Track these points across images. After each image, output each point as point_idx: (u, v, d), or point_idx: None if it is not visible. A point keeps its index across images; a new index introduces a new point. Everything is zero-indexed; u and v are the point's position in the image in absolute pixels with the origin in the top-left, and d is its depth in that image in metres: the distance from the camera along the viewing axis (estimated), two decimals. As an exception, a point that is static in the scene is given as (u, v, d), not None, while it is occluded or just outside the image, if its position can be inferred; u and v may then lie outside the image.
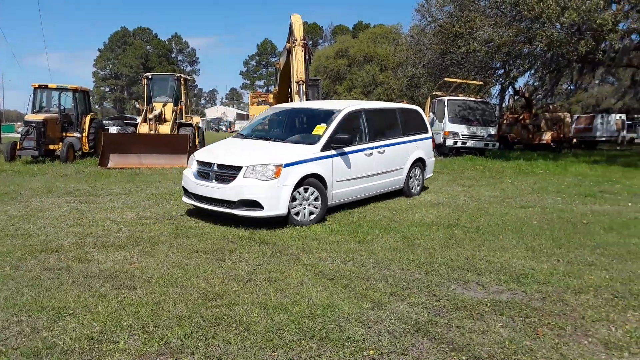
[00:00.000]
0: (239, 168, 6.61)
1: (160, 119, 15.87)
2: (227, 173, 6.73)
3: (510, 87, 22.40)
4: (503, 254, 5.24)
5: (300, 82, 13.33)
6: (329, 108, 8.18)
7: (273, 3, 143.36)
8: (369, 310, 3.66)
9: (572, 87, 28.38)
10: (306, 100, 13.57)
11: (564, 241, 5.80)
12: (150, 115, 15.55)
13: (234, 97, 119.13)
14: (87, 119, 15.77)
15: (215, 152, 7.41)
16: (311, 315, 3.52)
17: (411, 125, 9.44)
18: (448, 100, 19.08)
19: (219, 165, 6.85)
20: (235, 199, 6.51)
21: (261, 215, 6.47)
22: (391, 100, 41.99)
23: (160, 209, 7.68)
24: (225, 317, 3.51)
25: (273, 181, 6.48)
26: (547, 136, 22.49)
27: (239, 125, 71.80)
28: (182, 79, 17.36)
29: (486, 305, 3.77)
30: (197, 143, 16.84)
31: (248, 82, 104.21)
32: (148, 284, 4.21)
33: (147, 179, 11.01)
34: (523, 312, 3.63)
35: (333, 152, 7.31)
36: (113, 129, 23.10)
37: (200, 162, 7.15)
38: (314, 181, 6.97)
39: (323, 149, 7.18)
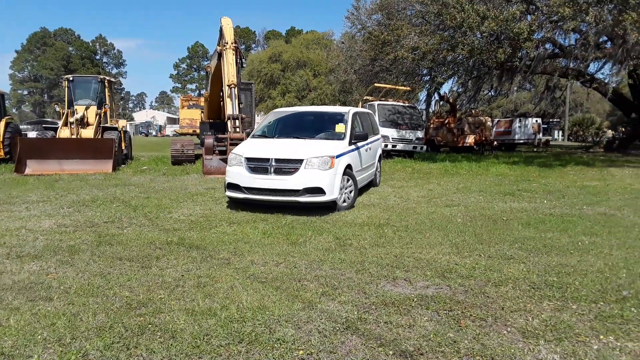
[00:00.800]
0: (300, 161, 7.54)
1: (82, 123, 15.04)
2: (287, 166, 7.58)
3: (435, 92, 23.36)
4: (429, 251, 5.42)
5: (232, 85, 13.16)
6: (337, 110, 9.70)
7: (204, 5, 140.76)
8: (299, 310, 3.65)
9: (493, 93, 30.05)
10: (238, 104, 13.42)
11: (486, 237, 6.09)
12: (71, 119, 14.71)
13: (164, 101, 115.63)
14: (2, 124, 14.68)
15: (260, 149, 8.08)
16: (240, 319, 3.45)
17: (375, 127, 11.01)
18: (378, 105, 19.58)
19: (277, 160, 7.64)
20: (300, 188, 7.44)
21: (323, 200, 7.57)
22: (324, 105, 42.49)
23: (81, 216, 7.27)
24: (150, 326, 3.36)
25: (330, 170, 7.57)
26: (471, 139, 23.68)
27: (170, 130, 69.54)
28: (106, 81, 16.59)
29: (413, 300, 3.88)
30: (123, 147, 16.14)
31: (179, 85, 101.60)
32: (66, 294, 3.96)
33: (68, 186, 10.40)
34: (447, 305, 3.77)
35: (353, 146, 8.58)
36: (32, 134, 21.63)
37: (251, 159, 7.79)
38: (348, 171, 8.13)
39: (349, 144, 8.42)
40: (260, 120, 11.33)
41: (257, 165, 7.70)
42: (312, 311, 3.63)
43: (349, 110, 9.18)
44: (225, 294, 4.00)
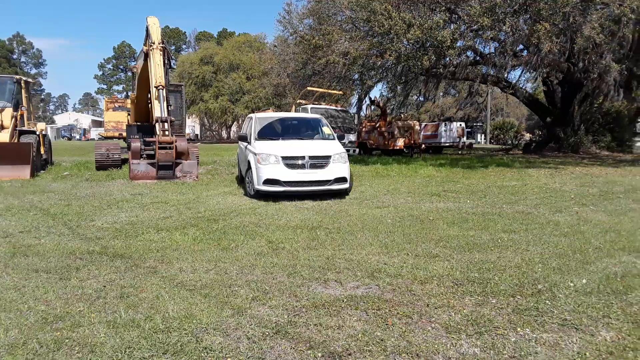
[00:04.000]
0: (328, 157, 9.46)
1: (-5, 126, 13.94)
2: (319, 161, 9.38)
3: (366, 97, 23.92)
4: (360, 252, 5.51)
5: (160, 87, 12.74)
6: (311, 116, 12.18)
7: (131, 3, 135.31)
8: (229, 317, 3.58)
9: (421, 98, 31.21)
10: (167, 106, 13.01)
11: (413, 236, 6.29)
12: (-17, 122, 13.59)
13: (88, 103, 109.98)
14: None
15: (288, 149, 9.56)
16: (166, 330, 3.33)
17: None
18: (312, 108, 19.76)
19: (311, 157, 9.38)
20: (332, 178, 9.36)
21: (344, 187, 9.64)
22: (258, 108, 42.22)
23: (-8, 227, 6.72)
24: (67, 341, 3.16)
25: (347, 163, 9.73)
26: (400, 142, 24.42)
27: (94, 133, 66.12)
28: (22, 82, 15.47)
29: (343, 301, 3.92)
30: (42, 152, 15.15)
31: (104, 86, 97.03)
32: (-29, 312, 3.64)
33: (-23, 194, 9.59)
34: (376, 304, 3.84)
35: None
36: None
37: (287, 157, 9.28)
38: None
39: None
40: (243, 124, 12.28)
41: (294, 162, 9.27)
42: (242, 317, 3.57)
43: (320, 117, 11.65)
44: (150, 304, 3.84)
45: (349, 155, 19.67)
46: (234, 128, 66.41)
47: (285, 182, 9.17)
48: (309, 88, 21.49)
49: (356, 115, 23.98)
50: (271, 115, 12.18)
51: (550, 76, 17.88)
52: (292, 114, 13.11)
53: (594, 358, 2.95)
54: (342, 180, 9.50)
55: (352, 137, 20.32)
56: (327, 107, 20.87)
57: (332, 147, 9.86)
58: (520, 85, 20.67)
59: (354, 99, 27.99)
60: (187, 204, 8.87)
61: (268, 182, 9.21)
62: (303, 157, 9.32)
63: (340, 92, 21.97)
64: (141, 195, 9.79)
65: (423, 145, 26.42)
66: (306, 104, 20.42)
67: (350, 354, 3.01)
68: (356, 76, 21.77)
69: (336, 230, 6.71)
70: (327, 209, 8.45)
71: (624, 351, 3.02)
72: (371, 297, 4.03)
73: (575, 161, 17.72)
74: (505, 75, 19.95)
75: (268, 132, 10.62)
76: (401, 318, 3.58)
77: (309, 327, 3.41)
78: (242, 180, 11.25)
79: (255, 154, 9.61)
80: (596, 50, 15.12)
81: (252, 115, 11.94)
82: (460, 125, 28.64)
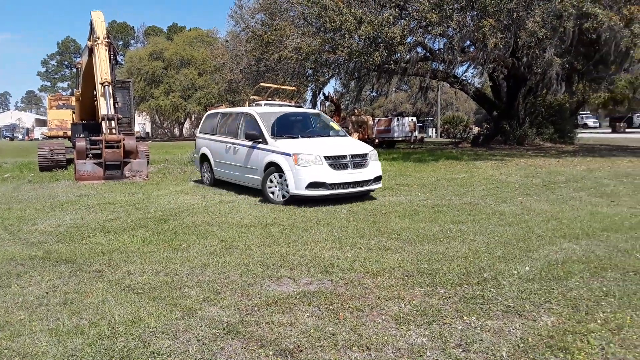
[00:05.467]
0: (365, 155, 8.89)
1: None
2: (360, 160, 8.76)
3: (320, 92, 23.96)
4: (314, 247, 5.53)
5: (106, 83, 12.30)
6: (311, 111, 11.76)
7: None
8: (178, 320, 3.51)
9: (374, 94, 31.61)
10: (114, 104, 12.58)
11: (366, 230, 6.37)
12: None
13: (31, 101, 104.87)
14: None
15: (325, 148, 8.74)
16: (112, 335, 3.22)
17: None
18: (265, 104, 19.57)
19: (353, 156, 8.72)
20: (372, 177, 8.81)
21: (380, 186, 9.34)
22: (211, 105, 41.52)
23: None
24: (6, 351, 3.01)
25: (379, 161, 9.32)
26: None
27: (38, 132, 63.06)
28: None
29: (295, 297, 3.92)
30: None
31: (48, 83, 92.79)
32: None
33: None
34: (328, 299, 3.86)
35: None
36: None
37: (330, 157, 8.48)
38: None
39: None
40: (222, 121, 11.23)
41: (337, 162, 8.51)
42: (192, 319, 3.51)
43: (320, 112, 11.79)
44: (96, 310, 3.71)
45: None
46: (186, 125, 65.05)
47: (331, 184, 8.37)
48: (262, 84, 21.29)
49: (310, 111, 24.02)
50: (273, 110, 10.77)
51: (496, 71, 18.49)
52: (294, 109, 12.43)
53: (536, 343, 3.07)
54: (379, 179, 9.09)
55: (307, 132, 20.32)
56: (281, 103, 20.74)
57: (363, 145, 9.42)
58: (468, 81, 21.31)
59: (308, 95, 28.02)
60: (136, 204, 8.62)
61: (312, 185, 8.33)
62: (345, 157, 8.62)
63: (294, 88, 21.90)
64: (87, 197, 9.43)
65: (377, 140, 26.76)
66: (260, 100, 20.22)
67: (301, 351, 3.01)
68: (309, 72, 21.77)
69: (290, 226, 6.70)
70: (281, 206, 8.42)
71: (564, 335, 3.16)
72: (324, 292, 4.05)
73: (520, 153, 18.44)
74: (454, 71, 20.47)
75: (281, 130, 9.47)
76: (353, 312, 3.62)
77: (261, 325, 3.39)
78: (213, 182, 10.98)
79: (284, 154, 8.59)
80: (539, 45, 15.76)
81: (248, 110, 10.64)
82: (412, 119, 29.17)
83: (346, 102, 27.78)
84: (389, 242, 5.75)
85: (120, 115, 13.11)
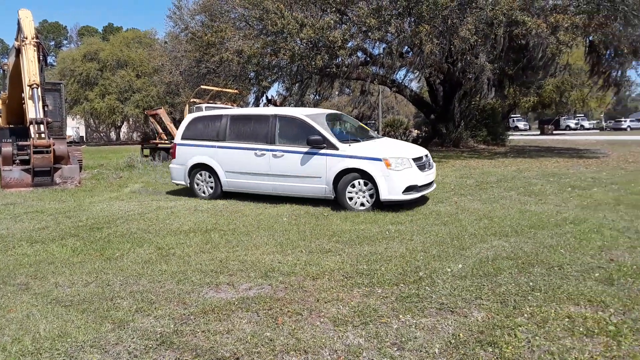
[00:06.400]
0: (427, 155, 8.87)
1: None
2: (430, 161, 8.87)
3: (263, 95, 23.82)
4: (255, 252, 5.47)
5: (34, 85, 11.66)
6: (340, 113, 10.74)
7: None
8: (108, 332, 3.36)
9: (317, 97, 31.78)
10: (43, 107, 11.93)
11: (308, 233, 6.38)
12: None
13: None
14: None
15: (405, 150, 8.61)
16: (35, 351, 3.04)
17: None
18: (206, 107, 19.21)
19: (426, 156, 8.76)
20: (434, 177, 8.93)
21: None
22: (150, 107, 40.23)
23: None
24: None
25: None
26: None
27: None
28: None
29: (234, 304, 3.86)
30: None
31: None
32: None
33: None
34: (267, 304, 3.83)
35: None
36: None
37: (416, 159, 8.31)
38: None
39: None
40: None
41: (420, 164, 8.38)
42: (123, 331, 3.37)
43: (343, 113, 11.05)
44: (20, 325, 3.49)
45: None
46: (124, 129, 62.67)
47: (420, 186, 8.20)
48: (202, 86, 20.86)
49: (253, 114, 23.79)
50: (316, 111, 9.77)
51: (432, 76, 19.15)
52: (325, 110, 10.77)
53: (467, 338, 3.19)
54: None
55: (249, 136, 20.12)
56: (224, 106, 20.43)
57: (416, 145, 9.73)
58: (406, 85, 21.91)
59: (251, 98, 27.74)
60: (67, 212, 8.20)
61: (408, 189, 7.99)
62: (422, 158, 8.54)
63: (236, 91, 21.62)
64: (14, 205, 8.88)
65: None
66: (200, 103, 19.82)
67: (237, 358, 2.96)
68: (252, 75, 21.58)
69: (231, 231, 6.60)
70: (222, 211, 8.28)
71: (493, 329, 3.30)
72: (263, 297, 4.01)
73: (456, 154, 19.15)
74: (393, 75, 20.98)
75: (338, 134, 8.94)
76: (291, 316, 3.61)
77: (197, 334, 3.31)
78: (220, 192, 9.49)
79: (371, 159, 8.07)
80: (472, 52, 16.44)
81: (287, 112, 9.53)
82: (355, 122, 29.57)
83: (290, 105, 27.74)
84: (330, 244, 5.79)
85: (50, 119, 12.46)
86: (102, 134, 64.94)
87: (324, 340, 3.18)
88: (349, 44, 17.67)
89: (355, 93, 40.41)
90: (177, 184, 10.35)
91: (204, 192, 9.76)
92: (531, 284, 4.16)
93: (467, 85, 18.48)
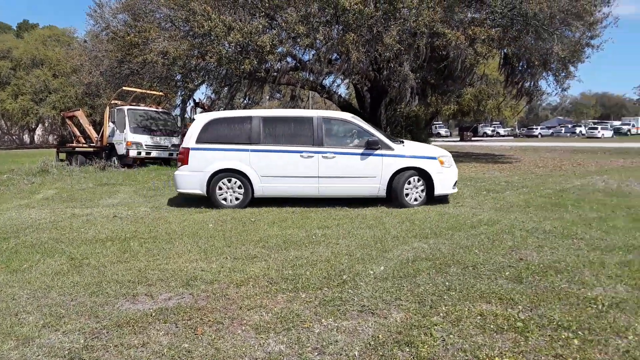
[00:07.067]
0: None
1: None
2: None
3: (190, 98, 23.20)
4: (177, 260, 5.29)
5: None
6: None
7: None
8: (11, 350, 3.11)
9: (247, 101, 31.44)
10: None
11: (234, 239, 6.27)
12: None
13: None
14: None
15: (438, 149, 9.38)
16: None
17: None
18: (128, 109, 18.46)
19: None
20: None
21: None
22: (68, 109, 37.94)
23: None
24: None
25: None
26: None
27: None
28: None
29: (151, 316, 3.70)
30: None
31: None
32: None
33: None
34: (187, 314, 3.71)
35: None
36: None
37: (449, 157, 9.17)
38: None
39: None
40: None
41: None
42: (27, 348, 3.13)
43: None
44: None
45: (172, 160, 19.00)
46: (38, 131, 58.67)
47: (456, 182, 9.23)
48: (125, 88, 19.98)
49: (180, 117, 23.06)
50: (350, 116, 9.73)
51: (360, 83, 19.56)
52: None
53: (386, 339, 3.26)
54: None
55: (176, 140, 19.50)
56: (147, 109, 19.68)
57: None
58: (335, 91, 22.20)
59: (177, 101, 26.91)
60: (-31, 222, 7.52)
61: (455, 184, 9.17)
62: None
63: (161, 93, 20.89)
64: None
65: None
66: (122, 105, 18.98)
67: (152, 372, 2.84)
68: (178, 77, 20.94)
69: (152, 239, 6.35)
70: (144, 217, 7.96)
71: (410, 329, 3.40)
72: (183, 307, 3.88)
73: (385, 159, 19.68)
74: (322, 81, 21.19)
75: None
76: (212, 325, 3.52)
77: (109, 349, 3.14)
78: (251, 197, 8.89)
79: (427, 158, 8.84)
80: (397, 61, 16.99)
81: (336, 115, 9.81)
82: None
83: (220, 109, 27.21)
84: (256, 250, 5.73)
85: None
86: (14, 137, 60.45)
87: (244, 349, 3.12)
88: (279, 49, 17.66)
89: (285, 98, 40.47)
90: (187, 193, 9.19)
91: (228, 201, 8.90)
92: (447, 283, 4.34)
93: (393, 92, 19.03)
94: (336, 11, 15.30)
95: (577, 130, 64.90)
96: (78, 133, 22.43)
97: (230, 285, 4.44)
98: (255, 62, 16.32)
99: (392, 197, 8.76)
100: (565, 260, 5.02)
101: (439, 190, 8.79)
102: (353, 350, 3.10)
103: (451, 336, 3.30)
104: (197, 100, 24.62)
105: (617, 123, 70.16)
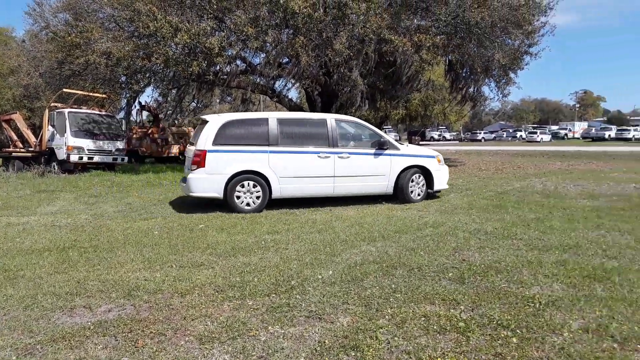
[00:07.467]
0: None
1: None
2: None
3: (136, 101, 22.54)
4: (119, 270, 5.10)
5: None
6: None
7: None
8: None
9: (196, 104, 30.86)
10: None
11: (180, 247, 6.12)
12: None
13: None
14: None
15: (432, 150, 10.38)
16: None
17: None
18: (69, 112, 17.68)
19: None
20: None
21: None
22: (5, 111, 35.92)
23: None
24: None
25: None
26: (175, 149, 23.78)
27: None
28: None
29: (89, 329, 3.54)
30: None
31: None
32: None
33: None
34: (128, 327, 3.58)
35: None
36: None
37: None
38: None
39: None
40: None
41: None
42: (-51, 370, 2.92)
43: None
44: None
45: (116, 165, 18.37)
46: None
47: None
48: (65, 90, 19.12)
49: (124, 121, 22.32)
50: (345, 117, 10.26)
51: (310, 87, 19.63)
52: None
53: (332, 344, 3.27)
54: None
55: (121, 144, 18.85)
56: (90, 112, 18.89)
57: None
58: (285, 95, 22.17)
59: (122, 103, 26.03)
60: None
61: (447, 180, 10.22)
62: None
63: (104, 96, 20.14)
64: None
65: (199, 152, 26.19)
66: (63, 108, 18.14)
67: (89, 389, 2.71)
68: (123, 78, 20.27)
69: (93, 248, 6.09)
70: (85, 226, 7.64)
71: (356, 333, 3.42)
72: (124, 319, 3.74)
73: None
74: (273, 85, 21.11)
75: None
76: (154, 337, 3.41)
77: (41, 366, 2.97)
78: (269, 198, 8.86)
79: (428, 157, 9.88)
80: (346, 66, 17.17)
81: (351, 118, 10.29)
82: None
83: (168, 112, 26.59)
84: (203, 257, 5.61)
85: None
86: (-58, 141, 56.51)
87: (187, 360, 3.04)
88: (228, 52, 17.44)
89: (237, 102, 40.02)
90: (201, 197, 8.95)
91: (246, 205, 8.76)
92: (393, 286, 4.41)
93: (343, 97, 19.23)
94: (285, 14, 15.31)
95: (518, 134, 67.94)
96: (15, 137, 21.27)
97: (175, 294, 4.32)
98: (204, 65, 16.07)
99: (398, 193, 9.51)
100: (505, 260, 5.22)
101: (437, 185, 9.77)
102: (299, 357, 3.09)
103: (396, 338, 3.35)
104: (143, 104, 23.99)
105: (555, 127, 74.24)
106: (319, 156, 9.03)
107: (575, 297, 4.06)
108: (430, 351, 3.16)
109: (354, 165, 9.22)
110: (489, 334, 3.39)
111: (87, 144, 17.54)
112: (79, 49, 17.21)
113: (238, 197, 8.74)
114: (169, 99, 22.41)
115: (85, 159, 17.39)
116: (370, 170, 9.37)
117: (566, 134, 67.38)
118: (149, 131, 23.99)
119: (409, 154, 9.71)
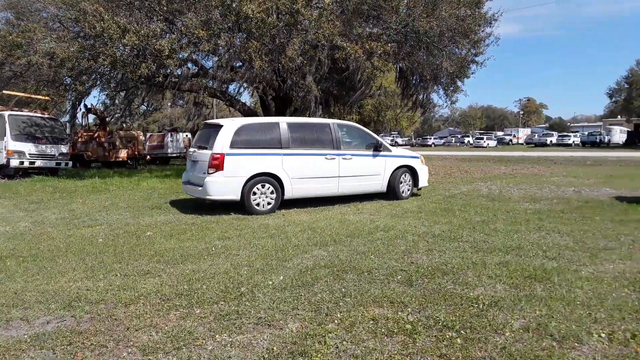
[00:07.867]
0: None
1: None
2: None
3: (81, 103, 21.68)
4: (59, 280, 4.88)
5: None
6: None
7: None
8: None
9: (145, 107, 30.04)
10: None
11: (126, 255, 5.92)
12: None
13: None
14: None
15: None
16: None
17: None
18: (9, 115, 16.81)
19: None
20: None
21: None
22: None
23: None
24: None
25: None
26: (123, 154, 23.07)
27: None
28: None
29: (25, 342, 3.37)
30: None
31: None
32: None
33: None
34: (67, 339, 3.42)
35: None
36: None
37: None
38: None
39: None
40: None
41: None
42: None
43: None
44: None
45: (59, 170, 17.59)
46: None
47: None
48: (5, 92, 18.18)
49: (69, 124, 21.43)
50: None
51: (264, 92, 19.53)
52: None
53: (280, 351, 3.24)
54: None
55: (65, 148, 18.08)
56: (31, 114, 18.02)
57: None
58: (238, 99, 21.94)
59: (67, 106, 24.99)
60: None
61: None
62: None
63: (47, 98, 19.28)
64: None
65: (148, 157, 25.52)
66: (2, 111, 17.22)
67: (21, 407, 2.57)
68: (68, 80, 19.47)
69: (32, 257, 5.81)
70: (24, 233, 7.28)
71: (305, 339, 3.42)
72: (63, 331, 3.57)
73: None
74: (226, 89, 20.85)
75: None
76: (94, 349, 3.27)
77: (-30, 384, 2.80)
78: (282, 196, 9.19)
79: (413, 157, 11.00)
80: (300, 71, 17.21)
81: (351, 123, 11.43)
82: (187, 135, 28.76)
83: (116, 116, 25.74)
84: (150, 265, 5.45)
85: None
86: None
87: (129, 372, 2.94)
88: (179, 55, 17.10)
89: (189, 105, 39.26)
90: (218, 200, 8.97)
91: (261, 206, 8.98)
92: (343, 290, 4.44)
93: (297, 102, 19.25)
94: (238, 18, 15.18)
95: (466, 140, 70.26)
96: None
97: (118, 304, 4.17)
98: (154, 67, 15.67)
99: (390, 191, 10.43)
100: (451, 262, 5.36)
101: (421, 183, 10.96)
102: (247, 365, 3.05)
103: (344, 342, 3.36)
104: (88, 106, 23.13)
105: (500, 133, 77.28)
106: (325, 158, 9.64)
107: (516, 297, 4.22)
108: (378, 354, 3.19)
109: (355, 166, 9.98)
110: (435, 336, 3.47)
111: (29, 148, 16.73)
112: (20, 49, 16.41)
113: (254, 200, 8.92)
114: (116, 101, 21.69)
115: (26, 164, 16.57)
116: (369, 171, 10.22)
117: (511, 140, 70.23)
118: (95, 135, 23.16)
119: (400, 155, 10.83)
